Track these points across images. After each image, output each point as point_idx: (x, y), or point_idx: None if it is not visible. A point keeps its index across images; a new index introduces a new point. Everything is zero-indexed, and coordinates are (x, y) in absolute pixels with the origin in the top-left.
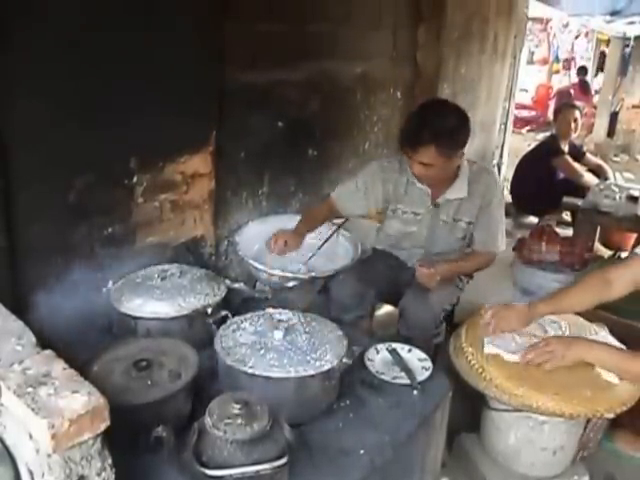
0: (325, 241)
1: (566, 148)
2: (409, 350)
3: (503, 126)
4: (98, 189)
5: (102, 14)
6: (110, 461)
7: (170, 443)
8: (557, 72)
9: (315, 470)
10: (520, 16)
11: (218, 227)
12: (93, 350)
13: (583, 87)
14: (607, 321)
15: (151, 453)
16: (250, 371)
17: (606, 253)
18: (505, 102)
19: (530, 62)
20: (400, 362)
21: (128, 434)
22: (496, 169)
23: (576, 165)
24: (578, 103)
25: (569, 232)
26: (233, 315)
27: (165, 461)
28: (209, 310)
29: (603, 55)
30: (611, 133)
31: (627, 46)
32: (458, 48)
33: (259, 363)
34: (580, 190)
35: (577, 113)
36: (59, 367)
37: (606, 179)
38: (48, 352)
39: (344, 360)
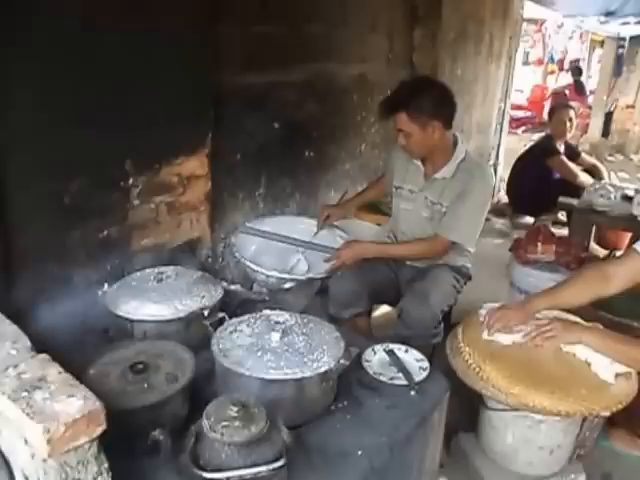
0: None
1: (562, 148)
2: (406, 351)
3: (499, 126)
4: (94, 191)
5: (99, 15)
6: (107, 465)
7: (167, 446)
8: (552, 73)
9: (313, 472)
10: (515, 17)
11: (214, 229)
12: (89, 353)
13: (578, 87)
14: (603, 320)
15: (148, 457)
16: (247, 373)
17: (602, 252)
18: (501, 103)
19: (525, 63)
20: (397, 363)
21: (125, 438)
22: (493, 169)
23: (571, 165)
24: (573, 103)
25: (565, 232)
26: (230, 317)
27: (162, 465)
28: (206, 312)
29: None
30: (606, 133)
31: (621, 47)
32: (454, 49)
33: (256, 365)
34: (576, 190)
35: (572, 113)
36: (54, 371)
37: (601, 179)
38: (43, 356)
39: (341, 361)
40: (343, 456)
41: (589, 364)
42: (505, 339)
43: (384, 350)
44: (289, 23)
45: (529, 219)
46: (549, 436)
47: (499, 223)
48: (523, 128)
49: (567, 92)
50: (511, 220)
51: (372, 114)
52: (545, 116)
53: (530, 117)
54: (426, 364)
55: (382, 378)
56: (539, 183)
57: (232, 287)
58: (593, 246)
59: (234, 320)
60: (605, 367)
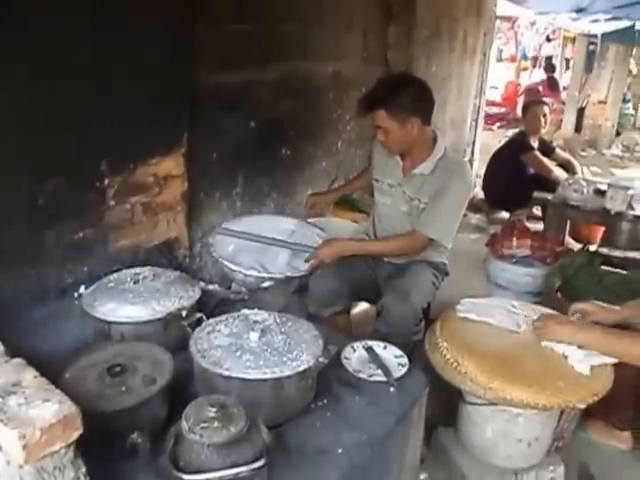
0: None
1: (536, 144)
2: (385, 347)
3: (474, 123)
4: (69, 192)
5: (71, 15)
6: (84, 470)
7: (146, 449)
8: (525, 69)
9: (293, 470)
10: (488, 15)
11: (192, 229)
12: (65, 357)
13: (551, 84)
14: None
15: (127, 460)
16: (226, 373)
17: (576, 246)
18: (475, 99)
19: (499, 60)
20: (376, 359)
21: (103, 442)
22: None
23: (546, 160)
24: (546, 99)
25: (540, 226)
26: (208, 317)
27: (141, 468)
28: (184, 313)
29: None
30: (578, 128)
31: (592, 44)
32: (428, 47)
33: (235, 365)
34: (550, 185)
35: (545, 109)
36: (29, 376)
37: (575, 174)
38: (18, 360)
39: (320, 359)
40: (323, 454)
41: (565, 357)
42: (476, 318)
43: (363, 347)
44: (264, 22)
45: (505, 214)
46: (527, 429)
47: (475, 218)
48: (498, 124)
49: (541, 88)
50: (487, 215)
51: (348, 111)
52: (519, 112)
53: (504, 113)
54: (405, 360)
55: (361, 375)
56: (514, 178)
57: (210, 287)
58: (568, 240)
59: (212, 320)
60: (581, 360)
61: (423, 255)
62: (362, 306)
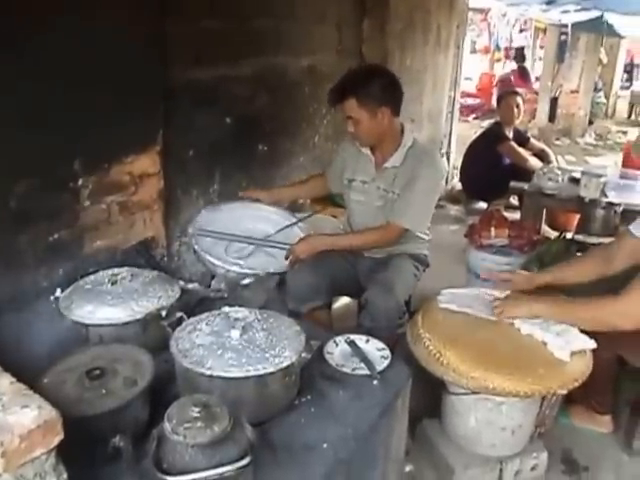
0: (280, 230)
1: (511, 134)
2: (367, 341)
3: (450, 115)
4: (41, 193)
5: (40, 13)
6: (65, 476)
7: (129, 453)
8: (499, 60)
9: (279, 467)
10: (461, 7)
11: (169, 227)
12: (43, 362)
13: (522, 73)
14: None
15: (109, 464)
16: (208, 372)
17: (553, 234)
18: (451, 91)
19: (473, 51)
20: (359, 353)
21: (84, 446)
22: (445, 157)
23: (521, 150)
24: (519, 89)
25: (517, 216)
26: (189, 316)
27: (124, 471)
28: (163, 313)
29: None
30: (552, 118)
31: (564, 34)
32: (402, 40)
33: (217, 364)
34: (526, 174)
35: (519, 99)
36: (6, 382)
37: (549, 163)
38: None
39: (303, 355)
40: (308, 450)
41: (545, 344)
42: (457, 309)
43: (345, 341)
44: (237, 17)
45: (483, 205)
46: (510, 417)
47: (454, 210)
48: (473, 115)
49: (512, 78)
50: (465, 206)
51: (324, 106)
52: (494, 103)
53: (480, 104)
54: (387, 353)
55: (345, 369)
56: (490, 169)
57: (189, 286)
58: (545, 228)
59: (193, 319)
60: (560, 346)
61: (404, 247)
62: (343, 300)
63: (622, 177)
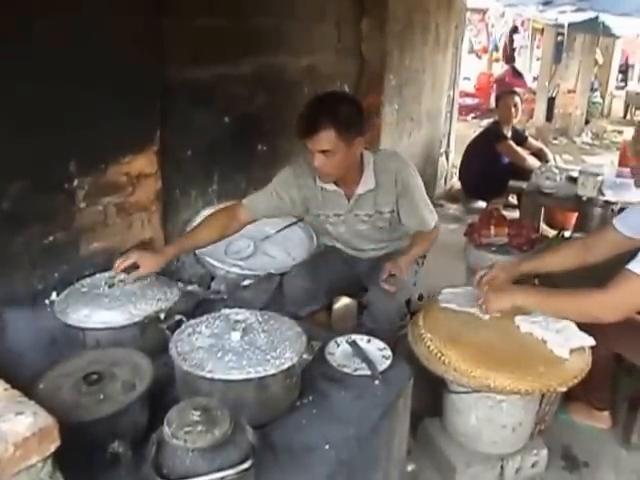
0: (280, 230)
1: (509, 133)
2: (368, 341)
3: (449, 114)
4: (36, 195)
5: (35, 13)
6: None
7: (127, 458)
8: (497, 61)
9: (281, 470)
10: (459, 7)
11: (167, 228)
12: (38, 367)
13: (514, 73)
14: None
15: (108, 470)
16: (209, 375)
17: (551, 233)
18: (449, 91)
19: (471, 51)
20: (360, 353)
21: (82, 452)
22: (444, 157)
23: (519, 149)
24: (517, 89)
25: (516, 214)
26: (188, 319)
27: (124, 477)
28: (162, 315)
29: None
30: (549, 117)
31: (560, 34)
32: (401, 40)
33: (217, 366)
34: (524, 173)
35: (517, 99)
36: (0, 388)
37: (547, 162)
38: None
39: (304, 356)
40: (310, 451)
41: (545, 342)
42: (457, 309)
43: (347, 342)
44: (235, 16)
45: (482, 203)
46: (511, 414)
47: (453, 209)
48: (472, 115)
49: (506, 77)
50: (464, 205)
51: None
52: (492, 102)
53: (478, 104)
54: (389, 353)
55: (346, 370)
56: (489, 168)
57: (189, 288)
58: (543, 227)
59: (192, 322)
60: (560, 344)
61: (403, 244)
62: (343, 301)
63: (618, 176)
